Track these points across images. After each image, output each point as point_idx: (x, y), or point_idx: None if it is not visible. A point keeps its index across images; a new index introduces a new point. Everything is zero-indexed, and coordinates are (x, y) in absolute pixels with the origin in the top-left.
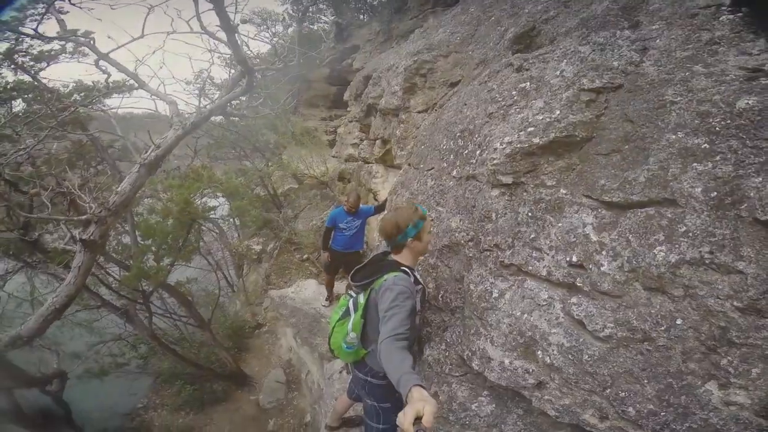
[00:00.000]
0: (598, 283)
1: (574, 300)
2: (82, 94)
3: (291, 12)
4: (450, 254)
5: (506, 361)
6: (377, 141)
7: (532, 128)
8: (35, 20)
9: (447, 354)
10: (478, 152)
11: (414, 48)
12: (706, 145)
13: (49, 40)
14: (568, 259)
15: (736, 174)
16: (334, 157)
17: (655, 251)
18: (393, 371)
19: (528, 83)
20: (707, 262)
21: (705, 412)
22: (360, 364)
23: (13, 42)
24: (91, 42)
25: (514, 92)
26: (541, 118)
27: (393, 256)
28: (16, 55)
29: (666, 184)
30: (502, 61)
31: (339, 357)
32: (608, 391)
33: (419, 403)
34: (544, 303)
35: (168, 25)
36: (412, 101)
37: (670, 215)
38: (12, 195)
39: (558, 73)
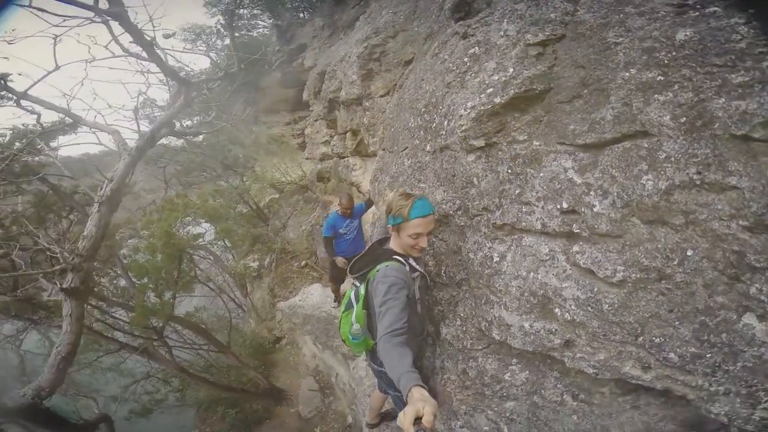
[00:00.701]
0: (596, 226)
1: (576, 248)
2: (23, 140)
3: (223, 22)
4: (442, 228)
5: (526, 325)
6: (348, 134)
7: (491, 89)
8: None
9: (464, 329)
10: (445, 123)
11: (362, 35)
12: (660, 77)
13: None
14: (558, 206)
15: (698, 99)
16: (307, 159)
17: (642, 181)
18: (393, 370)
19: (476, 48)
20: (698, 183)
21: (754, 348)
22: (372, 355)
23: None
24: (3, 82)
25: (465, 58)
26: (496, 78)
27: (389, 244)
28: None
29: (634, 118)
30: (447, 32)
31: (351, 349)
32: (641, 339)
33: (419, 403)
34: (547, 257)
35: (86, 53)
36: (372, 87)
37: (647, 145)
38: None
39: (502, 33)
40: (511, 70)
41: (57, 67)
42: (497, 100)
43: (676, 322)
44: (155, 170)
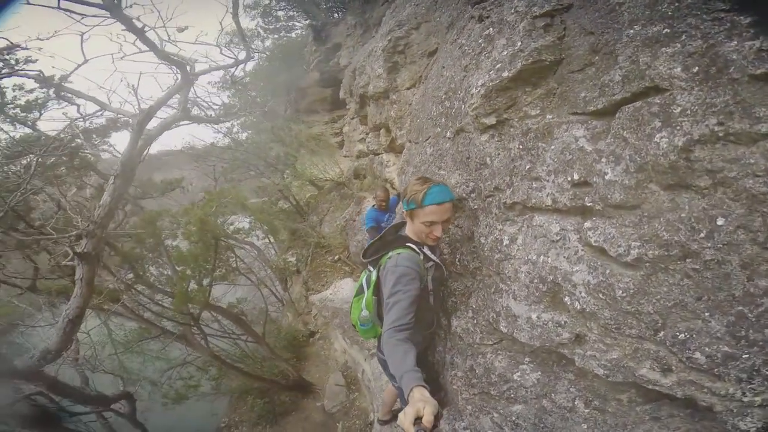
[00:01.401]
0: (608, 196)
1: (588, 224)
2: (82, 137)
3: (263, 25)
4: (458, 213)
5: (533, 316)
6: (381, 130)
7: (500, 64)
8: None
9: (475, 321)
10: (463, 106)
11: (386, 28)
12: (666, 29)
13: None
14: (569, 178)
15: (707, 45)
16: (345, 156)
17: (656, 140)
18: (395, 367)
19: (491, 29)
20: (721, 135)
21: None
22: (380, 342)
23: None
24: (41, 74)
25: (480, 40)
26: (505, 53)
27: (405, 230)
28: (7, 107)
29: (643, 75)
30: (465, 17)
31: (360, 335)
32: (662, 334)
33: (419, 403)
34: (558, 237)
35: (116, 49)
36: (398, 80)
37: (659, 101)
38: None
39: (513, 10)
40: (519, 43)
41: (85, 61)
42: (505, 74)
43: (706, 314)
44: (206, 168)
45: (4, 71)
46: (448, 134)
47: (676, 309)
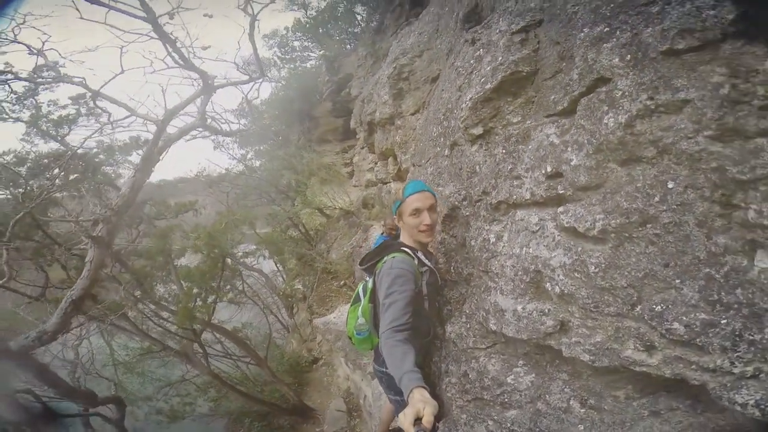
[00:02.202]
0: (575, 180)
1: (561, 209)
2: (105, 153)
3: (280, 55)
4: (452, 223)
5: (519, 308)
6: (389, 159)
7: (483, 78)
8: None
9: (468, 326)
10: (456, 123)
11: (392, 57)
12: (606, 28)
13: (45, 83)
14: (543, 171)
15: (633, 34)
16: (355, 186)
17: (605, 121)
18: (394, 368)
19: (481, 50)
20: (653, 107)
21: None
22: (376, 354)
23: (34, 110)
24: (84, 81)
25: (472, 61)
26: (489, 68)
27: (400, 238)
28: (40, 122)
29: (591, 69)
30: (460, 42)
31: (356, 346)
32: (639, 308)
33: (419, 404)
34: (537, 227)
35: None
36: (403, 106)
37: (605, 89)
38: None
39: (498, 31)
40: (500, 57)
41: (122, 71)
42: (488, 86)
43: (677, 281)
44: (220, 195)
45: (50, 79)
46: (446, 152)
47: (648, 279)
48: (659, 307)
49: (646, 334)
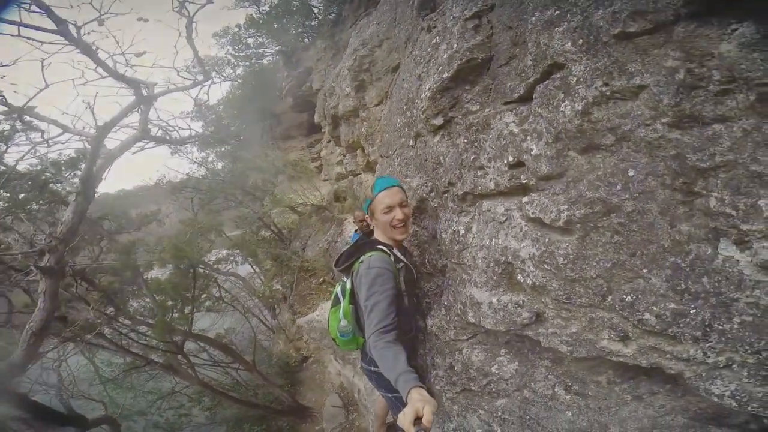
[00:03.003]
0: (537, 170)
1: (525, 199)
2: (52, 169)
3: (233, 53)
4: (422, 215)
5: (494, 300)
6: (358, 151)
7: (440, 67)
8: None
9: (448, 318)
10: (418, 114)
11: (351, 48)
12: (557, 11)
13: None
14: (505, 161)
15: (584, 17)
16: (324, 180)
17: (561, 109)
18: (388, 370)
19: (437, 37)
20: (608, 94)
21: (746, 293)
22: (363, 354)
23: None
24: (3, 98)
25: (429, 49)
26: (445, 56)
27: (374, 236)
28: None
29: (544, 55)
30: (417, 29)
31: (340, 347)
32: (610, 299)
33: (419, 403)
34: (504, 218)
35: (78, 75)
36: (366, 97)
37: (559, 75)
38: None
39: (452, 17)
40: (455, 45)
41: (46, 86)
42: (445, 75)
43: (644, 270)
44: (184, 201)
45: None
46: (411, 142)
47: (616, 269)
48: (629, 297)
49: (619, 325)
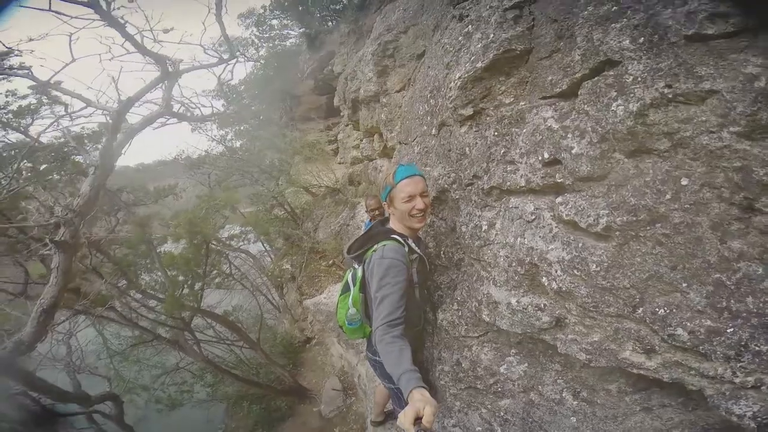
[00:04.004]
0: (576, 169)
1: (559, 200)
2: (74, 142)
3: (257, 34)
4: (441, 206)
5: (513, 302)
6: (375, 136)
7: (474, 56)
8: None
9: (460, 314)
10: (443, 101)
11: (376, 33)
12: (614, 7)
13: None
14: (540, 158)
15: (648, 15)
16: (340, 163)
17: (612, 108)
18: (392, 366)
19: (470, 26)
20: (670, 96)
21: None
22: (369, 343)
23: None
24: (30, 72)
25: (460, 38)
26: (479, 45)
27: (389, 224)
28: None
29: (597, 51)
30: (447, 17)
31: (347, 335)
32: (641, 310)
33: (420, 403)
34: (533, 217)
35: (105, 50)
36: (388, 83)
37: (613, 73)
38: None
39: (488, 6)
40: (492, 35)
41: (73, 60)
42: (479, 65)
43: (684, 284)
44: (201, 177)
45: None
46: (434, 131)
47: (653, 281)
48: (662, 310)
49: (646, 337)
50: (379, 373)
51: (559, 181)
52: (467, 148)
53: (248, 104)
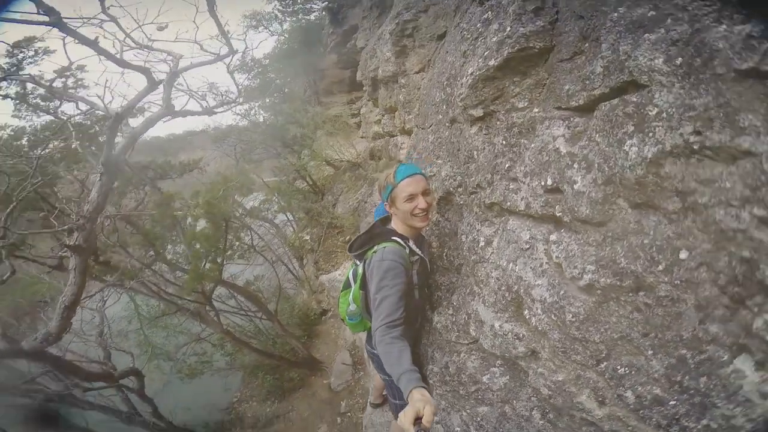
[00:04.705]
0: (576, 208)
1: (554, 237)
2: (99, 125)
3: (281, 8)
4: (447, 206)
5: (496, 325)
6: (396, 112)
7: (488, 52)
8: None
9: (454, 320)
10: (458, 93)
11: (395, 11)
12: (652, 12)
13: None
14: (543, 183)
15: (694, 30)
16: (362, 137)
17: (625, 147)
18: (392, 367)
19: (489, 12)
20: (696, 147)
21: (731, 406)
22: (369, 336)
23: (18, 86)
24: (33, 77)
25: (479, 24)
26: (495, 39)
27: (391, 224)
28: (29, 97)
29: (622, 67)
30: (468, 0)
31: (349, 328)
32: (604, 365)
33: (419, 404)
34: (527, 246)
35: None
36: (407, 64)
37: (635, 99)
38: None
39: None
40: (508, 28)
41: (71, 63)
42: (492, 62)
43: (650, 352)
44: (227, 149)
45: (12, 69)
46: (447, 123)
47: (622, 342)
48: (623, 369)
49: (602, 390)
50: (376, 366)
51: (558, 214)
52: (475, 152)
53: (273, 78)
